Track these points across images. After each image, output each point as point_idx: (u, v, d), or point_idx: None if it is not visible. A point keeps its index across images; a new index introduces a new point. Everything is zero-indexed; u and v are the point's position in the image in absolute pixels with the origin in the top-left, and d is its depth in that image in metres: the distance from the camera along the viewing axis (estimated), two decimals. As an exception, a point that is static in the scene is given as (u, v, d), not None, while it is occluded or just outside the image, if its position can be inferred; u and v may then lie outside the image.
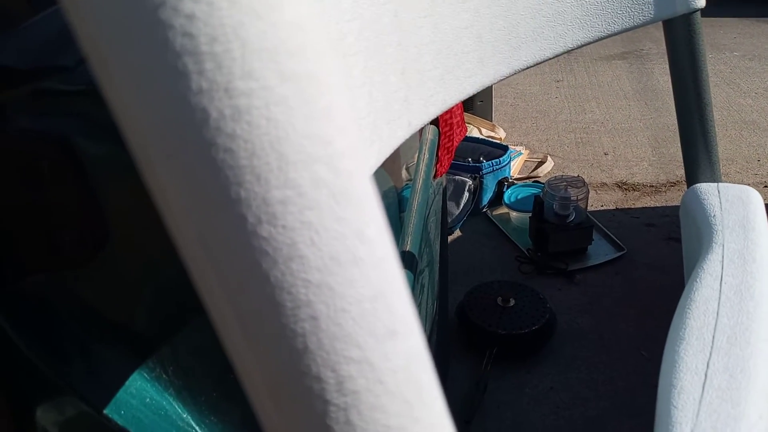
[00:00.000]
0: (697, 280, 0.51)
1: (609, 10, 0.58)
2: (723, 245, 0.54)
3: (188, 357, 0.43)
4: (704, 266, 0.53)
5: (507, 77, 0.54)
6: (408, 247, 0.73)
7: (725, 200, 0.60)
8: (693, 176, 0.66)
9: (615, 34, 0.59)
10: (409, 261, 0.71)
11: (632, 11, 0.59)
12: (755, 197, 0.62)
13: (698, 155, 0.66)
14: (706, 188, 0.63)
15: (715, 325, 0.47)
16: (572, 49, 0.58)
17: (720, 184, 0.64)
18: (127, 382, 0.40)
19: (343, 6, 0.36)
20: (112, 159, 0.35)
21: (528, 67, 0.56)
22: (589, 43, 0.58)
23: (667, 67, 0.70)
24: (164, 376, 0.42)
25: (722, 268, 0.52)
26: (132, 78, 0.11)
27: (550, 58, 0.57)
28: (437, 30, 0.48)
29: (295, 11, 0.12)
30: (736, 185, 0.64)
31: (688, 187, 0.68)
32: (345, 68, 0.36)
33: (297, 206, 0.12)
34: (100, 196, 0.38)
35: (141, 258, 0.40)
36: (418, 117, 0.48)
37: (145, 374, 0.41)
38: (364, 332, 0.14)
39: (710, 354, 0.44)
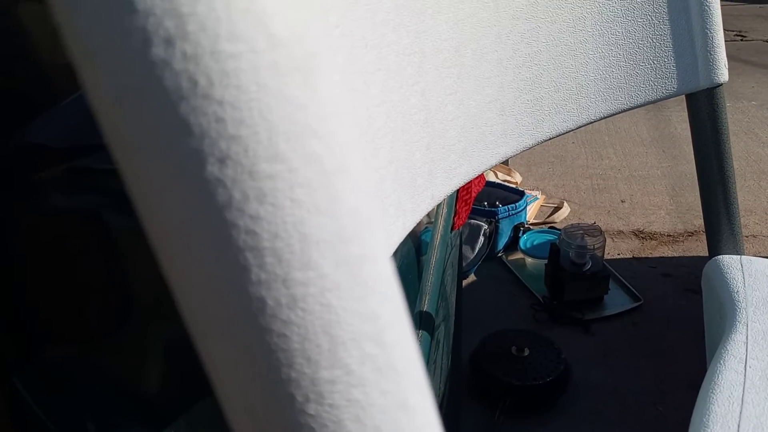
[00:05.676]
0: (721, 362, 0.50)
1: (632, 84, 0.59)
2: (747, 324, 0.54)
3: (205, 428, 0.42)
4: (728, 347, 0.52)
5: (529, 148, 0.55)
6: (425, 306, 0.73)
7: (748, 275, 0.60)
8: (715, 247, 0.65)
9: (637, 106, 0.60)
10: (426, 320, 0.71)
11: (655, 84, 0.60)
12: (779, 272, 0.61)
13: (720, 226, 0.65)
14: (728, 261, 0.63)
15: (740, 412, 0.46)
16: (595, 121, 0.59)
17: (743, 257, 0.63)
18: (144, 453, 0.40)
19: (372, 92, 0.37)
20: (142, 235, 0.36)
21: (551, 138, 0.56)
22: (612, 115, 0.59)
23: (685, 114, 0.70)
24: (181, 447, 0.41)
25: (746, 350, 0.51)
26: (195, 271, 0.12)
27: (572, 130, 0.58)
28: (462, 106, 0.49)
29: (354, 200, 0.12)
30: (760, 259, 0.63)
31: (710, 258, 0.67)
32: (373, 150, 0.37)
33: (344, 384, 0.13)
34: (127, 270, 0.38)
35: (162, 330, 0.41)
36: (441, 189, 0.48)
37: (162, 445, 0.41)
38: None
39: (735, 445, 0.44)
